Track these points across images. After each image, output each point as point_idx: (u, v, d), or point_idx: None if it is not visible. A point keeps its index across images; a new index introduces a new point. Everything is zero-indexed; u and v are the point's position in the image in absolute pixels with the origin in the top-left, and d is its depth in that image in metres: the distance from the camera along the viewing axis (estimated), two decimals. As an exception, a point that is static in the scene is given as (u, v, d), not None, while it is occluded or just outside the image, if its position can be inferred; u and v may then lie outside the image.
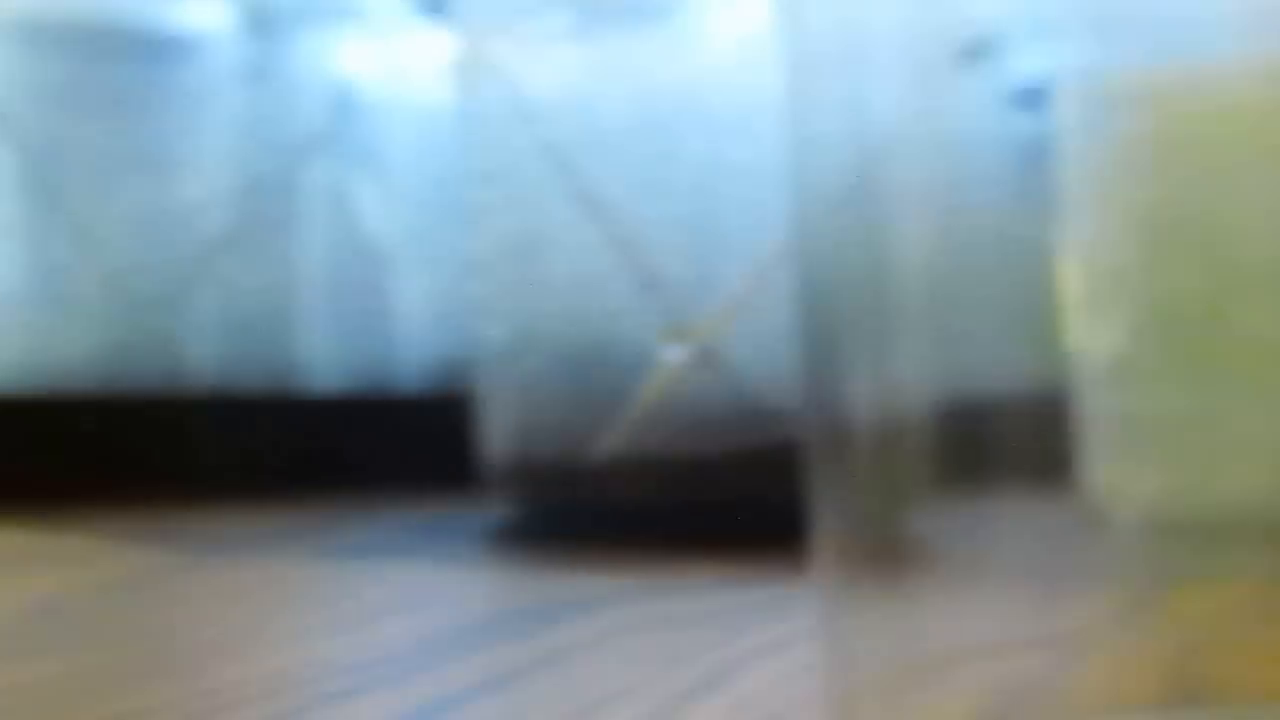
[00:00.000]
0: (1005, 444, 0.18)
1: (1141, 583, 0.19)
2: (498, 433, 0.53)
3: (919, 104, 0.19)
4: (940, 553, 0.19)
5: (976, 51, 0.19)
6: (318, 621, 0.34)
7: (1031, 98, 0.19)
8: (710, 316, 0.49)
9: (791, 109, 0.20)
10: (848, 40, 0.19)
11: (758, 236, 0.48)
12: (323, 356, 0.85)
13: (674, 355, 0.49)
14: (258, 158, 0.79)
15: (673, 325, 0.49)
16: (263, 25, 0.77)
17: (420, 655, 0.29)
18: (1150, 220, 0.18)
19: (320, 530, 0.56)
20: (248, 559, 0.46)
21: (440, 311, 0.81)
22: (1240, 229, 0.18)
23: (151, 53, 0.78)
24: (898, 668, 0.19)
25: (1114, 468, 0.19)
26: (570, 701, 0.25)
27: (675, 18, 0.49)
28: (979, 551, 0.19)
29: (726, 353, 0.49)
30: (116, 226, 0.77)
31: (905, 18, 0.19)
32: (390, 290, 0.86)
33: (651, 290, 0.49)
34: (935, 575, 0.19)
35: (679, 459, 0.48)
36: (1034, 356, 0.19)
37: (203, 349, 0.78)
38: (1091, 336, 0.19)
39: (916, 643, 0.19)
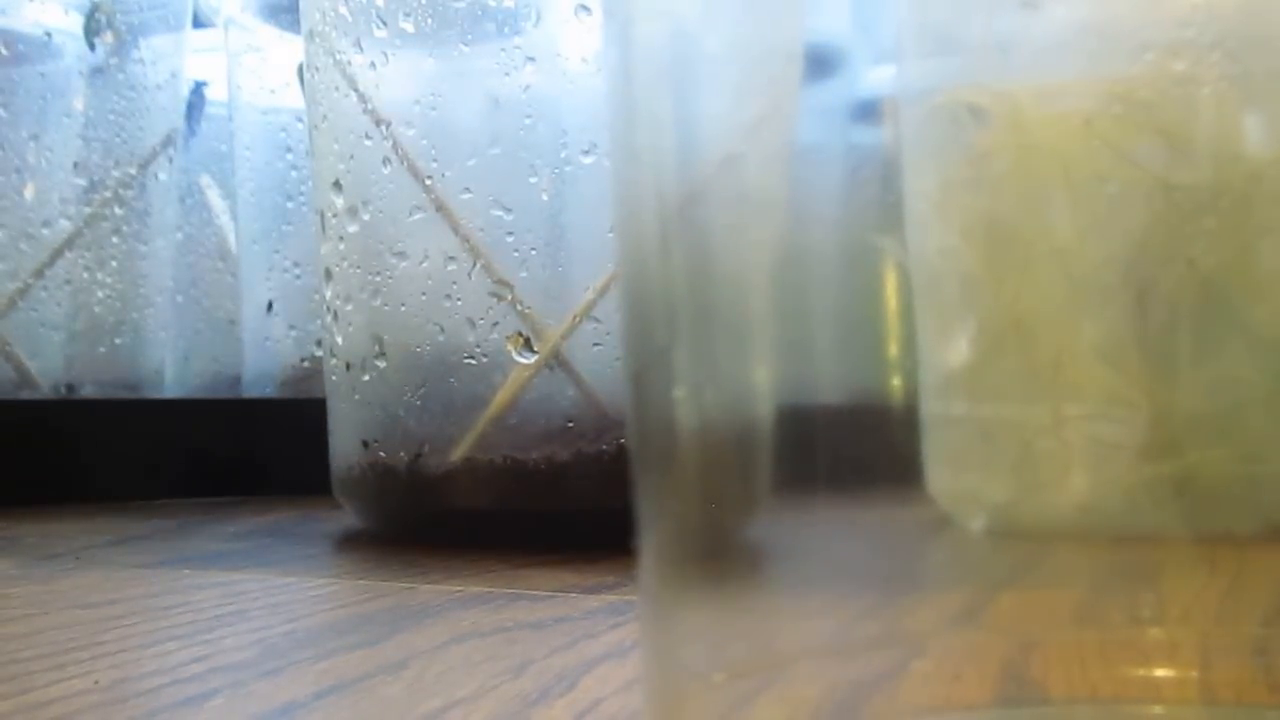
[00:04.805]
0: (845, 452, 0.18)
1: (980, 587, 0.19)
2: (346, 439, 0.53)
3: (753, 117, 0.19)
4: (777, 559, 0.19)
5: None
6: (157, 631, 0.33)
7: (872, 111, 0.19)
8: (560, 324, 0.49)
9: (620, 121, 0.20)
10: (678, 54, 0.19)
11: (606, 245, 0.48)
12: (171, 361, 0.84)
13: (524, 362, 0.49)
14: (103, 158, 0.78)
15: (523, 332, 0.49)
16: (111, 27, 0.76)
17: (262, 662, 0.29)
18: (997, 232, 0.19)
19: (162, 538, 0.55)
20: (83, 569, 0.45)
21: (290, 317, 0.81)
22: (1086, 241, 0.18)
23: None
24: (727, 672, 0.19)
25: (960, 475, 0.19)
26: (415, 707, 0.25)
27: (526, 29, 0.49)
28: (817, 557, 0.19)
29: (575, 360, 0.49)
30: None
31: (739, 33, 0.19)
32: (240, 295, 0.85)
33: (502, 298, 0.49)
34: (770, 581, 0.19)
35: (528, 465, 0.48)
36: (873, 366, 0.19)
37: (46, 353, 0.76)
38: (938, 346, 0.19)
39: (748, 647, 0.19)
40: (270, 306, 0.80)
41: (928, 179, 0.19)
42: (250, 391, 0.83)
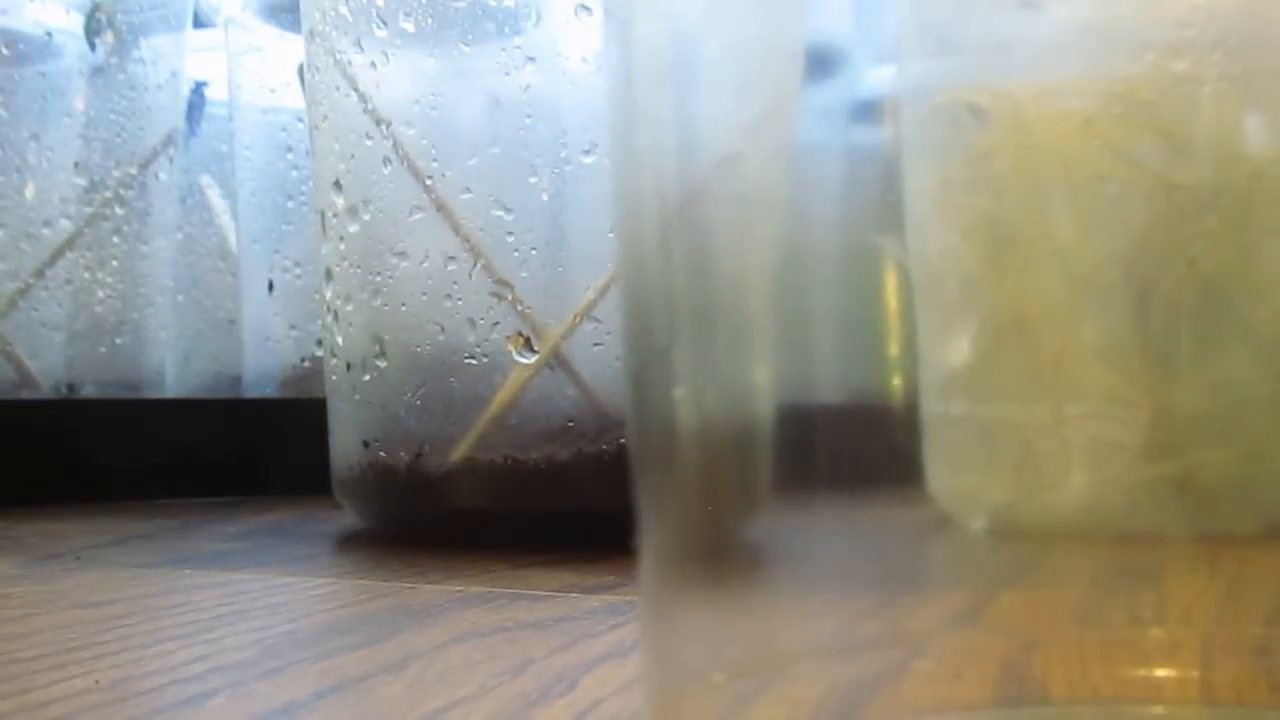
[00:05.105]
0: (845, 452, 0.18)
1: (980, 587, 0.19)
2: (347, 439, 0.53)
3: (753, 117, 0.19)
4: (777, 559, 0.19)
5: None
6: (158, 631, 0.33)
7: (872, 111, 0.19)
8: (560, 324, 0.49)
9: (620, 121, 0.20)
10: (679, 54, 0.19)
11: (607, 245, 0.48)
12: (171, 360, 0.84)
13: (524, 362, 0.49)
14: (104, 158, 0.78)
15: (523, 332, 0.49)
16: (111, 27, 0.76)
17: (263, 662, 0.29)
18: (998, 232, 0.19)
19: (162, 538, 0.55)
20: (84, 568, 0.45)
21: (291, 317, 0.81)
22: (1087, 241, 0.18)
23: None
24: (727, 672, 0.19)
25: (961, 475, 0.19)
26: (415, 707, 0.25)
27: (526, 28, 0.49)
28: (817, 557, 0.19)
29: (576, 359, 0.49)
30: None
31: (740, 33, 0.19)
32: (240, 295, 0.85)
33: (502, 298, 0.49)
34: (770, 581, 0.19)
35: (528, 465, 0.48)
36: (873, 366, 0.19)
37: (47, 353, 0.76)
38: (939, 346, 0.19)
39: (748, 647, 0.19)
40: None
41: (928, 179, 0.19)
42: (251, 391, 0.83)
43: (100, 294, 0.78)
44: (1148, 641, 0.18)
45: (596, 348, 0.49)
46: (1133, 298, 0.18)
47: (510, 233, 0.49)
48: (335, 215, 0.53)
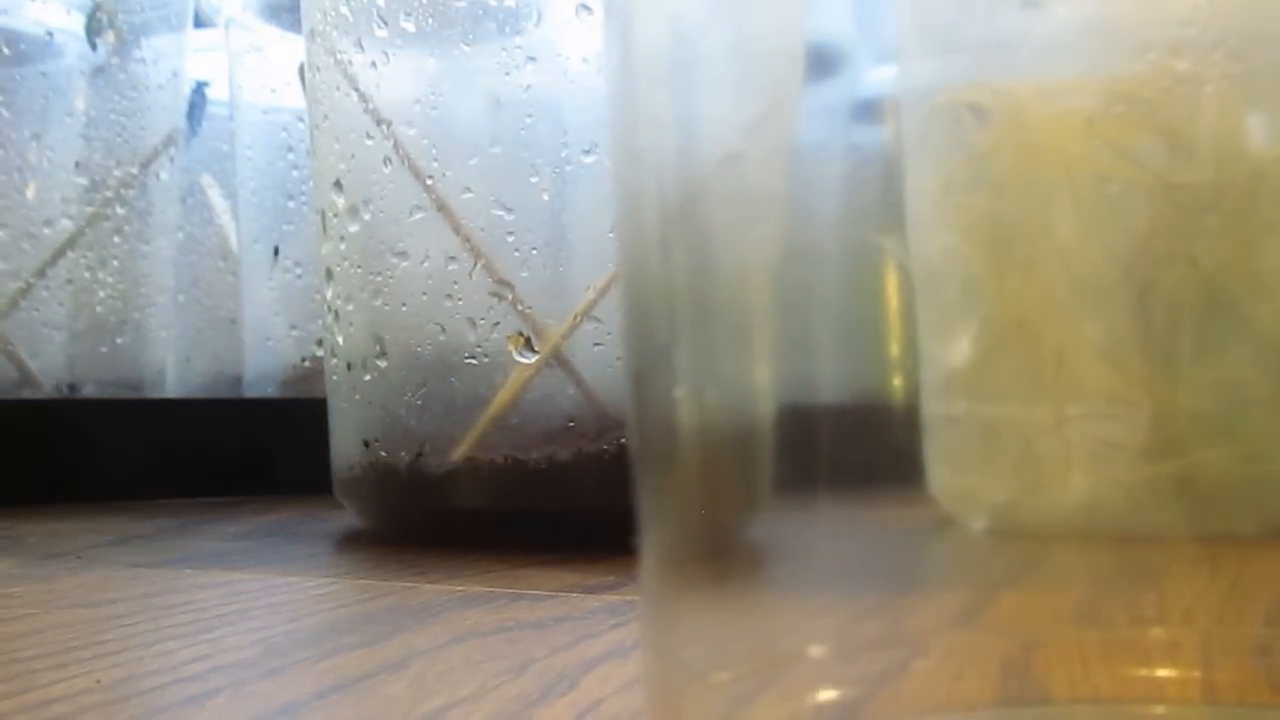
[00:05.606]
0: (846, 451, 0.18)
1: (981, 586, 0.19)
2: (347, 438, 0.53)
3: (753, 116, 0.19)
4: (778, 559, 0.19)
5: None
6: (158, 630, 0.33)
7: (873, 110, 0.19)
8: (561, 324, 0.49)
9: (621, 121, 0.20)
10: (679, 54, 0.19)
11: (607, 245, 0.48)
12: (172, 360, 0.84)
13: (525, 362, 0.49)
14: (105, 158, 0.78)
15: (523, 332, 0.49)
16: (112, 27, 0.76)
17: (264, 662, 0.29)
18: (998, 231, 0.19)
19: (164, 537, 0.55)
20: (85, 568, 0.45)
21: (291, 317, 0.81)
22: (1088, 240, 0.18)
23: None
24: (727, 672, 0.19)
25: (962, 475, 0.19)
26: (416, 706, 0.25)
27: (527, 28, 0.49)
28: (817, 557, 0.19)
29: (576, 359, 0.49)
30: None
31: (740, 33, 0.19)
32: (241, 294, 0.85)
33: (503, 298, 0.49)
34: (771, 581, 0.19)
35: (529, 465, 0.48)
36: (874, 365, 0.19)
37: (48, 353, 0.76)
38: (939, 345, 0.19)
39: (749, 647, 0.19)
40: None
41: (929, 178, 0.19)
42: (251, 391, 0.83)
43: (101, 293, 0.78)
44: (1149, 641, 0.18)
45: (597, 348, 0.49)
46: (1134, 297, 0.18)
47: (510, 233, 0.49)
48: (336, 215, 0.53)
